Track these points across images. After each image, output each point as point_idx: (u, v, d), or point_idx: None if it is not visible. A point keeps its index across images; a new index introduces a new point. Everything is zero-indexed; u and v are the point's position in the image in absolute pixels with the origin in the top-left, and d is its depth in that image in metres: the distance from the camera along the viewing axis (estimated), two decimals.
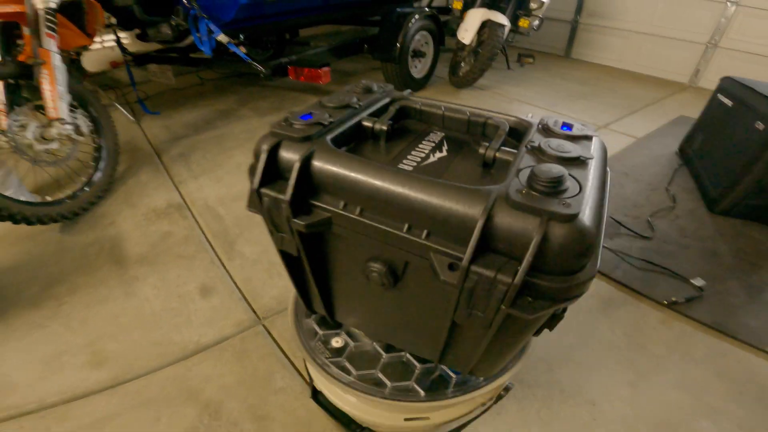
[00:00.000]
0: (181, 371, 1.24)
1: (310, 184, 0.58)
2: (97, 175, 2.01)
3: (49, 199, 1.80)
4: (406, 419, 0.79)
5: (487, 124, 0.68)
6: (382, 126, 0.67)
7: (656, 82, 3.78)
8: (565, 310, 0.65)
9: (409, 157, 0.63)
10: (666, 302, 1.46)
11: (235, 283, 1.55)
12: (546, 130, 0.63)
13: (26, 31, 1.71)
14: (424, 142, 0.68)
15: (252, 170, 0.58)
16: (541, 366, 1.26)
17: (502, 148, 0.61)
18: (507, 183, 0.49)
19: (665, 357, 1.30)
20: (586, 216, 0.48)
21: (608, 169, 0.65)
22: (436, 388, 0.74)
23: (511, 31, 3.18)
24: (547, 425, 1.11)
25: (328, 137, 0.60)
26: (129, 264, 1.64)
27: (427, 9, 3.10)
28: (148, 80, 3.32)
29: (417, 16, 2.96)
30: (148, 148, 2.51)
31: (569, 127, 0.62)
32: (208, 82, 3.63)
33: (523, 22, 3.10)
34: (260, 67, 2.41)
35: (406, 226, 0.53)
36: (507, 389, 0.81)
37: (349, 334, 0.85)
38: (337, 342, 0.83)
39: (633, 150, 2.51)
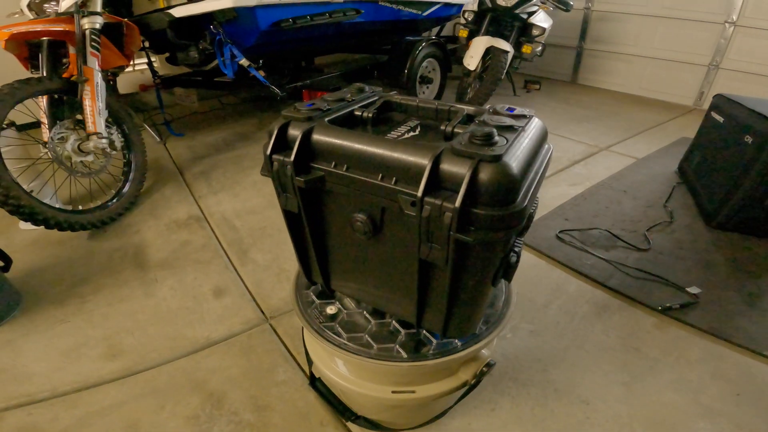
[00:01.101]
0: (190, 364, 1.34)
1: (310, 152, 0.75)
2: (126, 188, 2.18)
3: (81, 207, 1.96)
4: (393, 392, 0.88)
5: (450, 111, 0.85)
6: (368, 114, 0.84)
7: (661, 105, 3.85)
8: (518, 259, 0.77)
9: (389, 135, 0.80)
10: (660, 308, 1.49)
11: (246, 286, 1.66)
12: (495, 113, 0.79)
13: (72, 50, 1.91)
14: (402, 126, 0.85)
15: (265, 146, 0.77)
16: (536, 366, 1.31)
17: (460, 125, 0.77)
18: (454, 141, 0.65)
19: (660, 359, 1.32)
20: (510, 160, 0.62)
21: (550, 144, 0.82)
22: (418, 351, 0.84)
23: (515, 57, 3.34)
24: (540, 422, 1.14)
25: (326, 119, 0.78)
26: (150, 267, 1.78)
27: (434, 37, 3.28)
28: (174, 104, 3.56)
29: (424, 44, 3.15)
30: (172, 167, 2.70)
31: (512, 109, 0.79)
32: (228, 106, 3.87)
33: (526, 49, 3.25)
34: (277, 90, 2.59)
35: (380, 176, 0.68)
36: (489, 365, 0.89)
37: (343, 306, 0.96)
38: (331, 310, 0.94)
39: (632, 169, 2.58)
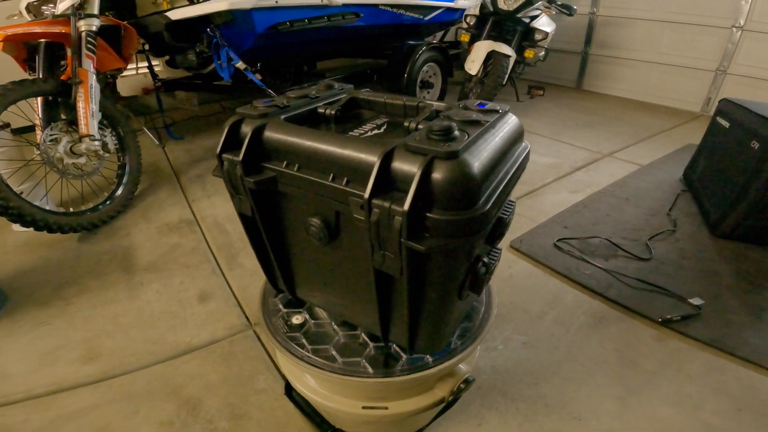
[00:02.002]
0: (169, 369, 1.31)
1: (262, 151, 0.70)
2: (119, 191, 2.16)
3: (72, 210, 1.95)
4: (363, 407, 0.83)
5: (419, 107, 0.80)
6: (332, 111, 0.79)
7: (667, 111, 3.78)
8: (488, 271, 0.71)
9: (350, 133, 0.75)
10: (660, 319, 1.44)
11: (232, 291, 1.63)
12: (465, 108, 0.73)
13: (69, 52, 1.91)
14: (367, 124, 0.80)
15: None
16: (527, 379, 1.26)
17: (425, 120, 0.71)
18: (409, 136, 0.59)
19: (658, 373, 1.27)
20: (469, 156, 0.56)
21: (527, 144, 0.75)
22: (387, 366, 0.79)
23: (518, 62, 3.30)
24: None
25: (282, 116, 0.73)
26: (137, 271, 1.75)
27: (435, 42, 3.25)
28: (175, 107, 3.57)
29: (424, 48, 3.12)
30: (169, 170, 2.69)
31: (484, 104, 0.73)
32: (229, 110, 3.87)
33: (529, 53, 3.20)
34: (274, 94, 2.58)
35: (331, 176, 0.63)
36: (467, 382, 0.83)
37: (312, 315, 0.91)
38: (297, 319, 0.89)
39: (636, 176, 2.51)
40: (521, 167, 0.72)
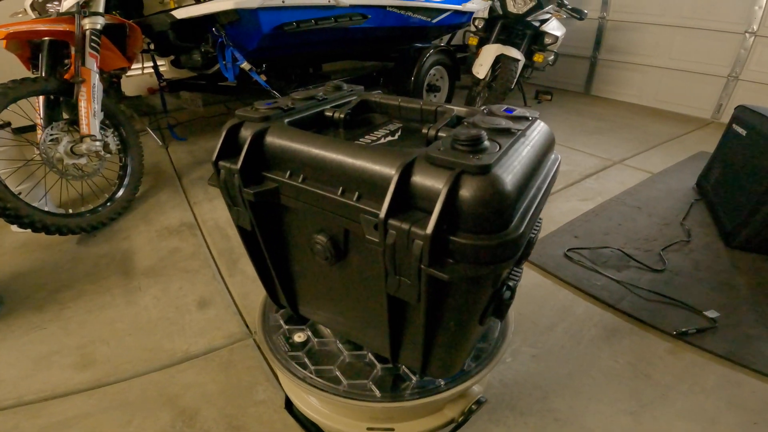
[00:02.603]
0: (165, 377, 1.26)
1: (263, 159, 0.63)
2: (119, 193, 2.13)
3: (71, 211, 1.92)
4: (368, 429, 0.78)
5: (437, 112, 0.72)
6: (341, 114, 0.72)
7: (678, 117, 3.71)
8: (512, 295, 0.64)
9: (361, 140, 0.67)
10: (675, 333, 1.39)
11: (232, 298, 1.58)
12: (490, 113, 0.65)
13: (72, 50, 1.88)
14: (380, 129, 0.73)
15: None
16: (536, 393, 1.21)
17: (446, 127, 0.64)
18: (431, 146, 0.52)
19: (672, 387, 1.22)
20: (502, 172, 0.48)
21: (557, 155, 0.67)
22: (395, 389, 0.73)
23: (527, 66, 3.24)
24: None
25: (286, 120, 0.66)
26: (135, 275, 1.71)
27: (442, 45, 3.21)
28: (180, 108, 3.55)
29: (432, 51, 3.07)
30: (171, 171, 2.66)
31: (511, 110, 0.65)
32: (233, 112, 3.84)
33: (538, 57, 3.15)
34: (278, 96, 2.54)
35: (341, 189, 0.56)
36: (479, 403, 0.78)
37: (316, 333, 0.86)
38: (299, 337, 0.83)
39: (647, 184, 2.45)
40: (552, 181, 0.65)
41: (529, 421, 1.13)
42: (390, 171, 0.51)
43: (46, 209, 1.80)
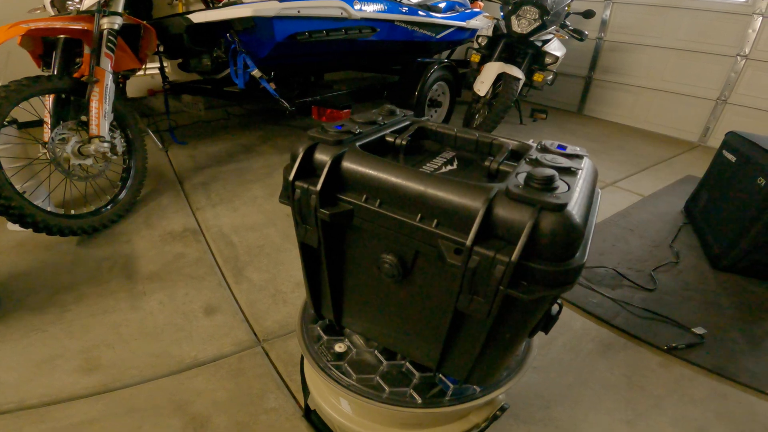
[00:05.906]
0: (173, 384, 1.27)
1: (338, 181, 0.68)
2: (122, 195, 2.12)
3: (73, 212, 1.90)
4: None
5: (493, 144, 0.79)
6: (402, 141, 0.77)
7: (666, 140, 3.84)
8: (559, 312, 0.72)
9: (423, 168, 0.73)
10: (666, 347, 1.48)
11: (239, 305, 1.60)
12: (544, 150, 0.73)
13: (87, 50, 1.87)
14: (437, 158, 0.79)
15: (287, 169, 0.70)
16: (538, 403, 1.27)
17: (505, 161, 0.70)
18: (507, 182, 0.58)
19: (664, 397, 1.30)
20: (574, 209, 0.56)
21: (598, 189, 0.75)
22: (434, 396, 0.78)
23: (525, 85, 3.32)
24: None
25: (357, 143, 0.71)
26: (139, 279, 1.71)
27: (446, 60, 3.27)
28: (180, 111, 3.54)
29: (436, 66, 3.14)
30: (172, 175, 2.65)
31: (564, 147, 0.73)
32: (234, 117, 3.84)
33: (538, 77, 3.22)
34: (286, 104, 2.57)
35: (419, 216, 0.61)
36: (503, 409, 0.83)
37: (352, 344, 0.90)
38: (339, 347, 0.87)
39: (639, 207, 2.54)
40: (596, 214, 0.72)
41: (532, 430, 1.19)
42: (476, 204, 0.57)
43: (48, 209, 1.78)
